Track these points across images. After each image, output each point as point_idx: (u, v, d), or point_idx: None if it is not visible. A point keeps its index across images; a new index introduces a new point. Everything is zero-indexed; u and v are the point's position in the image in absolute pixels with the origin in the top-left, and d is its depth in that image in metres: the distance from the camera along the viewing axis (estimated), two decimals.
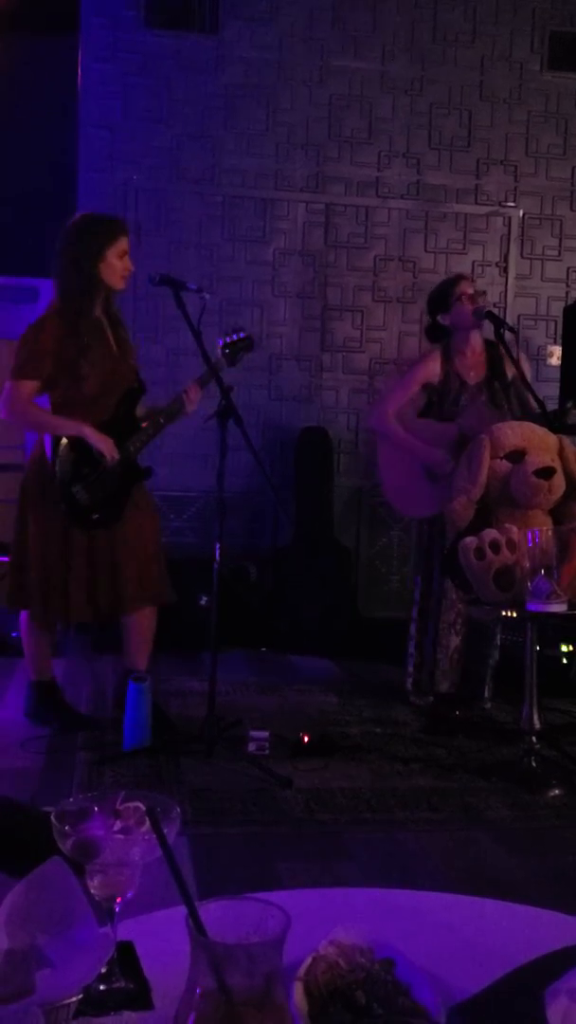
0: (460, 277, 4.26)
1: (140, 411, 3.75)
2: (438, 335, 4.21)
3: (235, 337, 3.67)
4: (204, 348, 3.48)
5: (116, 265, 3.56)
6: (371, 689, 4.49)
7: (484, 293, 4.21)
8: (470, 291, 4.06)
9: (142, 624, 3.72)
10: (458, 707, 4.14)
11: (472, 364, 4.14)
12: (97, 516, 3.57)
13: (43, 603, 3.61)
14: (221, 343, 3.70)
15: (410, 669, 4.23)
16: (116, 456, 3.55)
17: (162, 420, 3.67)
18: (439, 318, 4.15)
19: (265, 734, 3.60)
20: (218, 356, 3.68)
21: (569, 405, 4.03)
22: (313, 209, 5.63)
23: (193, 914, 0.76)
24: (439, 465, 4.01)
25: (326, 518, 5.56)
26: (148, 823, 0.96)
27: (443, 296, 4.13)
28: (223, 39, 5.46)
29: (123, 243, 3.58)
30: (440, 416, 4.14)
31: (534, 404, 4.11)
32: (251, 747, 3.54)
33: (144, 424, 3.68)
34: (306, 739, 3.62)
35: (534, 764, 3.41)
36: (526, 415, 4.03)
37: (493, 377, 4.15)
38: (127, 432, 3.62)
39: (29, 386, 3.50)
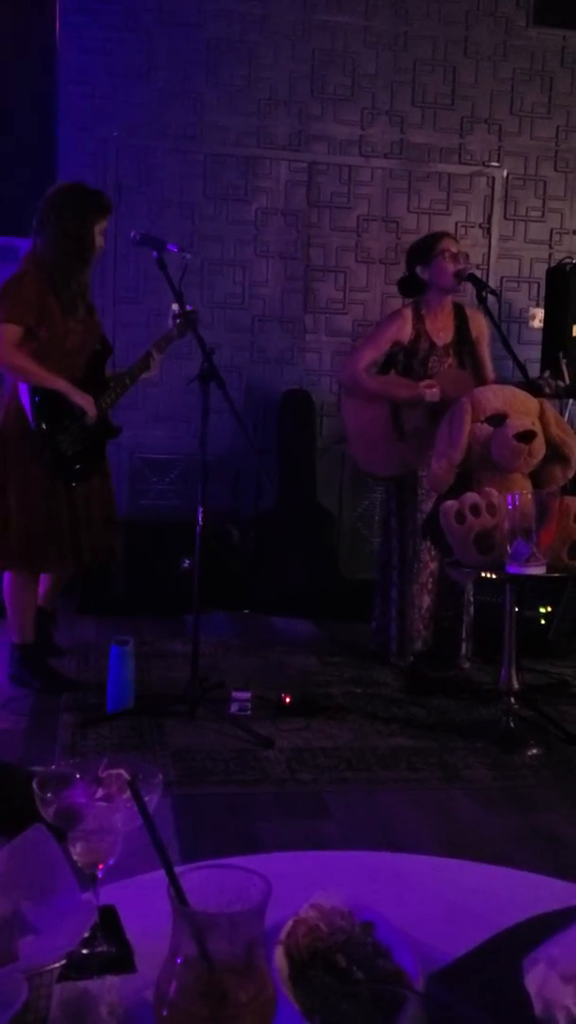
0: (445, 234, 4.26)
1: (107, 373, 3.90)
2: (412, 290, 4.20)
3: (183, 309, 3.71)
4: (185, 308, 3.54)
5: (97, 241, 3.69)
6: (352, 650, 4.52)
7: (467, 255, 4.18)
8: (453, 249, 4.04)
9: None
10: (437, 667, 4.18)
11: (442, 325, 4.15)
12: (79, 467, 3.69)
13: (27, 555, 3.68)
14: (173, 314, 3.81)
15: (393, 632, 4.27)
16: (94, 412, 3.68)
17: (128, 380, 3.84)
18: (418, 270, 4.13)
19: (247, 695, 3.62)
20: (170, 327, 3.85)
21: (546, 374, 4.02)
22: (296, 168, 5.57)
23: (174, 883, 0.77)
24: (427, 394, 3.99)
25: (309, 481, 5.56)
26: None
27: (425, 249, 4.10)
28: None
29: (106, 222, 3.70)
30: (409, 375, 4.14)
31: (489, 368, 4.15)
32: (233, 708, 3.57)
33: (111, 383, 3.83)
34: (288, 700, 3.65)
35: (512, 724, 3.45)
36: (481, 380, 4.06)
37: (459, 340, 4.15)
38: (97, 390, 3.75)
39: (15, 330, 3.57)
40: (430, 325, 4.13)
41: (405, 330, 4.11)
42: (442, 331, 4.15)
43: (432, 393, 3.99)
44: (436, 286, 4.08)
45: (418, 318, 4.13)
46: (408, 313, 4.14)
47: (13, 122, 5.22)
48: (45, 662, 3.87)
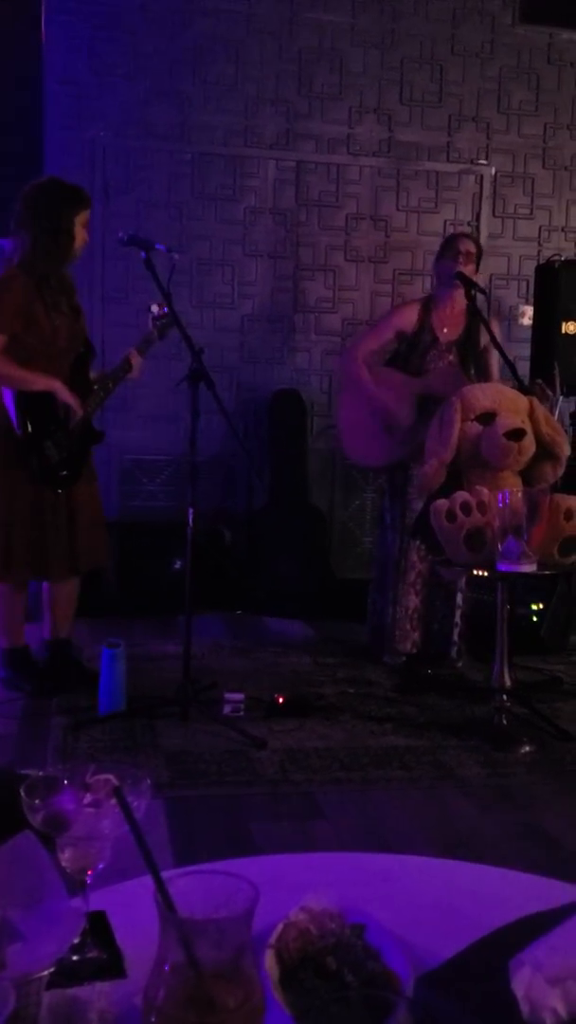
0: (465, 234, 4.39)
1: (91, 375, 3.84)
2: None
3: (162, 311, 3.68)
4: (174, 309, 3.54)
5: (80, 234, 3.62)
6: (344, 650, 4.52)
7: (475, 259, 4.17)
8: (462, 249, 4.10)
9: (72, 589, 3.87)
10: (430, 666, 4.18)
11: (448, 322, 4.17)
12: (65, 473, 3.64)
13: (15, 563, 3.63)
14: (152, 315, 3.75)
15: (387, 629, 4.26)
16: (81, 412, 3.64)
17: (111, 384, 3.78)
18: (435, 264, 4.25)
19: (240, 696, 3.62)
20: (150, 328, 3.78)
21: (539, 381, 4.03)
22: (283, 167, 5.56)
23: (162, 890, 0.76)
24: (401, 419, 4.04)
25: (300, 481, 5.56)
26: None
27: (446, 244, 4.22)
28: None
29: (86, 214, 3.65)
30: (406, 367, 4.16)
31: (495, 373, 4.17)
32: (226, 709, 3.57)
33: (95, 387, 3.76)
34: (280, 700, 3.65)
35: (505, 722, 3.45)
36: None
37: (466, 340, 4.17)
38: (82, 394, 3.69)
39: (0, 339, 3.51)
40: (436, 319, 4.17)
41: (410, 319, 4.17)
42: (447, 327, 4.17)
43: (406, 418, 4.01)
44: (441, 280, 4.19)
45: (426, 311, 4.18)
46: (416, 305, 4.22)
47: None
48: (35, 666, 3.85)
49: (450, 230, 5.62)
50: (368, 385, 4.14)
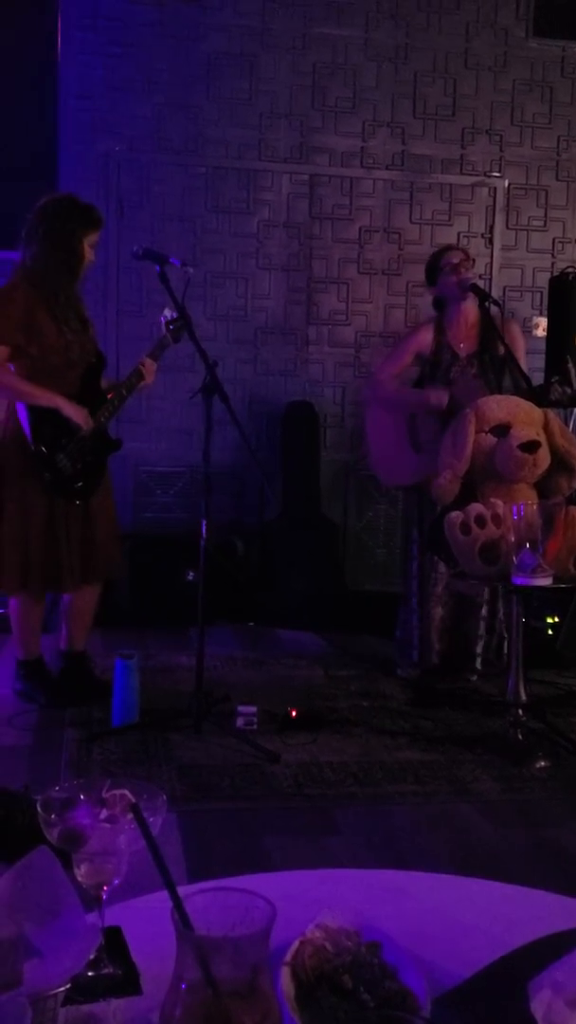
0: (447, 248, 4.33)
1: (104, 384, 3.81)
2: (439, 305, 4.26)
3: (173, 316, 3.65)
4: (190, 322, 3.54)
5: (87, 254, 3.64)
6: (358, 662, 4.51)
7: (472, 262, 4.19)
8: (455, 261, 4.08)
9: (91, 601, 3.85)
10: (445, 679, 4.16)
11: (464, 336, 4.17)
12: (80, 485, 3.63)
13: (31, 576, 3.62)
14: (164, 320, 3.71)
15: (415, 642, 4.24)
16: (92, 424, 3.61)
17: (124, 392, 3.74)
18: (432, 290, 4.24)
19: (253, 709, 3.61)
20: (164, 333, 3.74)
21: (554, 380, 4.01)
22: (297, 180, 5.58)
23: (179, 907, 0.76)
24: (438, 402, 4.01)
25: (313, 492, 5.55)
26: None
27: (432, 267, 4.20)
28: (205, 6, 5.37)
29: (96, 236, 3.66)
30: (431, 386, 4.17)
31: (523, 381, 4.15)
32: (239, 722, 3.55)
33: (110, 395, 3.74)
34: (294, 713, 3.64)
35: (520, 736, 3.43)
36: (517, 391, 4.05)
37: (484, 350, 4.16)
38: (94, 404, 3.67)
39: (2, 350, 3.50)
40: (452, 336, 4.17)
41: (425, 342, 4.18)
42: (464, 342, 4.17)
43: (437, 397, 4.01)
44: (448, 299, 4.16)
45: (440, 330, 4.18)
46: (430, 326, 4.22)
47: (14, 136, 5.24)
48: (49, 677, 3.85)
49: (464, 242, 5.62)
50: (400, 392, 4.18)
